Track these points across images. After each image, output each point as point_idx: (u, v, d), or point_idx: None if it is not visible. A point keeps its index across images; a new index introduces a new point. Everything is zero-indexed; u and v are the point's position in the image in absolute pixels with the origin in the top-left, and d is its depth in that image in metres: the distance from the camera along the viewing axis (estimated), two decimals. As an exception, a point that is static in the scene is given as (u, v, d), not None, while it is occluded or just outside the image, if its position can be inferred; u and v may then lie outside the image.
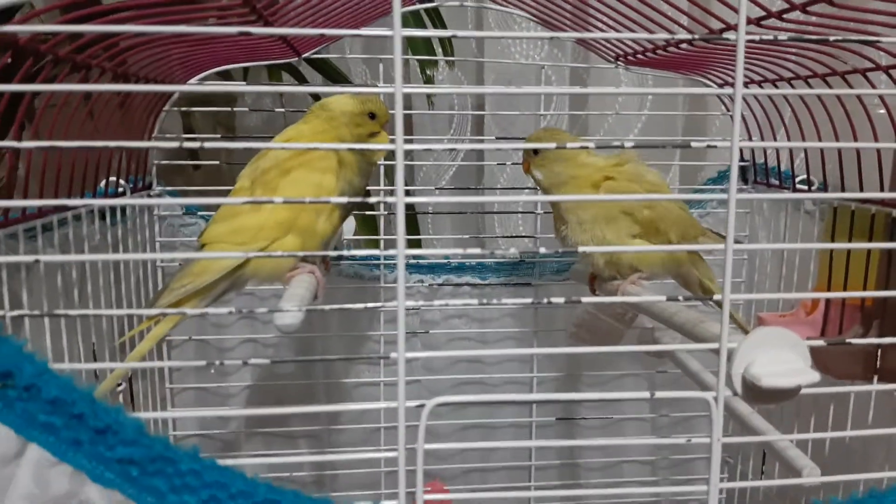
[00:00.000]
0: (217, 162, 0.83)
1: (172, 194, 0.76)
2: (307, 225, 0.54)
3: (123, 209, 0.67)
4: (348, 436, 0.83)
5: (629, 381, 0.84)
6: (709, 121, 1.00)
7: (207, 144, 0.33)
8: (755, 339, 0.39)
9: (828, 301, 0.65)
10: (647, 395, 0.38)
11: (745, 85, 0.77)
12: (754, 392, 0.39)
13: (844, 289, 0.63)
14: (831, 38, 0.35)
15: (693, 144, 0.35)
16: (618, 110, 0.96)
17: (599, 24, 0.65)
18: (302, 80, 0.91)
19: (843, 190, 0.67)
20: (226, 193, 0.80)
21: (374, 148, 0.55)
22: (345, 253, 0.35)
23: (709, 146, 0.36)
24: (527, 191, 0.83)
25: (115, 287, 0.65)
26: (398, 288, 0.34)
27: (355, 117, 0.57)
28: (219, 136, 0.90)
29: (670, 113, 0.98)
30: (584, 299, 0.36)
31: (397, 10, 0.31)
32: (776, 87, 0.68)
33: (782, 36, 0.35)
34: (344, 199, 0.35)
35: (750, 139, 0.77)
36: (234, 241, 0.53)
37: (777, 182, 0.74)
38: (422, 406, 0.35)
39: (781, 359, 0.38)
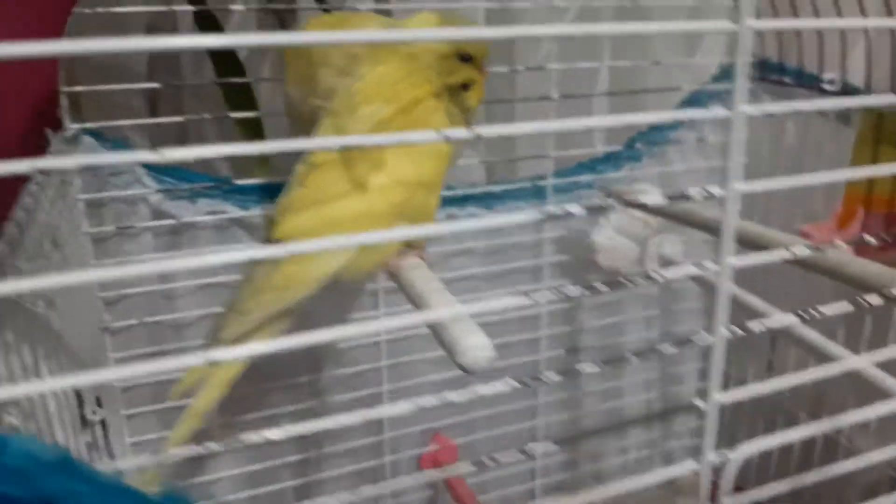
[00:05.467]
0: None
1: (94, 135, 0.55)
2: (420, 205, 0.41)
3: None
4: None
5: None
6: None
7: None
8: None
9: (867, 211, 0.63)
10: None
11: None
12: None
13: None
14: None
15: None
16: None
17: None
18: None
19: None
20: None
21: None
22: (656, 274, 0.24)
23: None
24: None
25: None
26: (717, 312, 0.24)
27: (444, 61, 0.42)
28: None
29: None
30: None
31: None
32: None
33: None
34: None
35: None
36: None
37: (792, 81, 0.70)
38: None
39: None
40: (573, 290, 0.27)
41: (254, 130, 0.64)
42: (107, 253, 0.58)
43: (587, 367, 0.29)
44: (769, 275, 0.67)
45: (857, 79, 0.65)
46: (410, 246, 0.41)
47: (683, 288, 0.80)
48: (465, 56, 0.42)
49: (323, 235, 0.38)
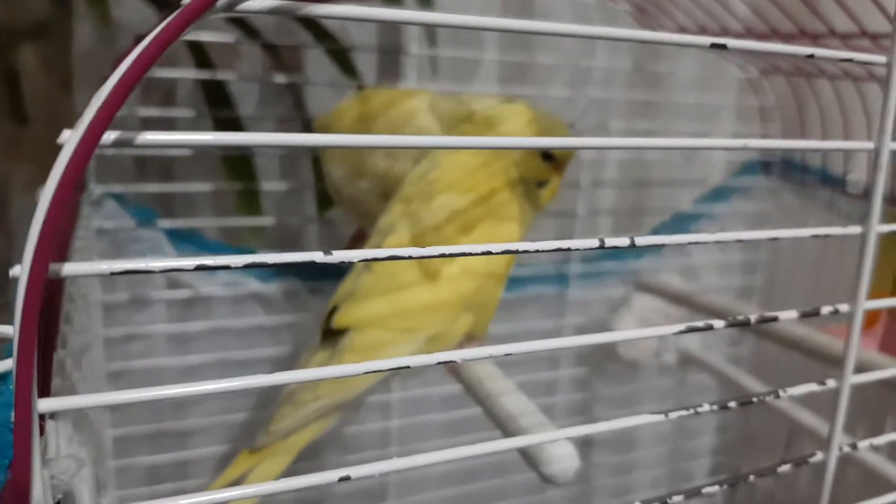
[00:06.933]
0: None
1: (118, 198, 0.52)
2: (488, 296, 0.39)
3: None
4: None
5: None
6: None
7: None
8: None
9: (891, 312, 0.63)
10: None
11: (768, 74, 0.73)
12: None
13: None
14: None
15: None
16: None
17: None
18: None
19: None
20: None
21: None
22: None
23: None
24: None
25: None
26: (835, 430, 0.23)
27: (528, 156, 0.40)
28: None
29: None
30: None
31: None
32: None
33: None
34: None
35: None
36: (398, 327, 0.36)
37: (815, 181, 0.71)
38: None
39: None
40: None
41: (249, 200, 0.61)
42: (117, 321, 0.54)
43: None
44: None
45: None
46: (471, 336, 0.39)
47: (700, 381, 0.79)
48: (548, 155, 0.41)
49: (390, 325, 0.35)
